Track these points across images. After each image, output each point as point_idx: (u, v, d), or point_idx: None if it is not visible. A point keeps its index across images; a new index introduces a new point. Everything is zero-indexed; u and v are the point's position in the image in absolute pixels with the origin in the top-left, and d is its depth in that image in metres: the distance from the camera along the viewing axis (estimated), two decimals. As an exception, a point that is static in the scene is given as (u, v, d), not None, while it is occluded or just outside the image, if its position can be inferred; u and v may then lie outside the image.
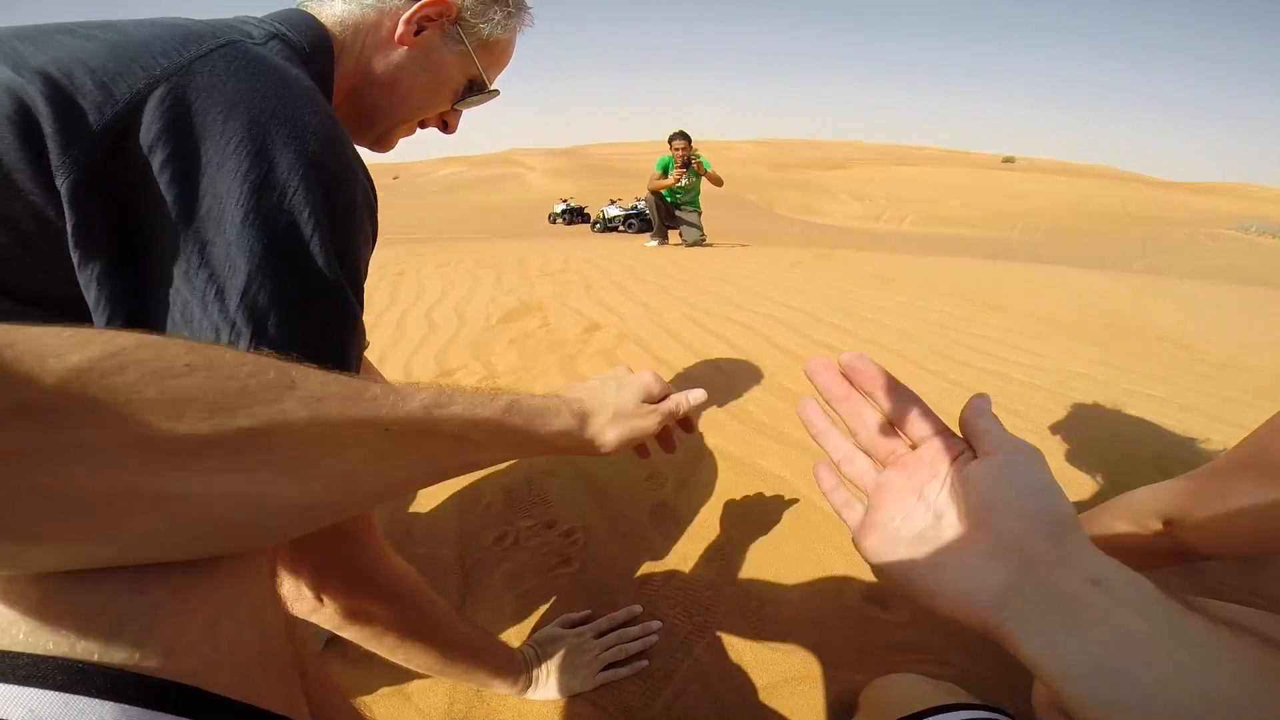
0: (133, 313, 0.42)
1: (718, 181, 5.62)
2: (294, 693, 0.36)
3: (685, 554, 1.02)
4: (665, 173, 5.52)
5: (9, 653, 0.27)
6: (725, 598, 0.94)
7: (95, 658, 0.27)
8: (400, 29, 0.64)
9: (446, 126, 0.79)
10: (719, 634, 0.87)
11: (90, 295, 0.42)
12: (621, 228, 14.69)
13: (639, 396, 0.55)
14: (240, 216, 0.42)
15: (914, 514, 0.38)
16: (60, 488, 0.24)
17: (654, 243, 5.59)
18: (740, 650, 0.84)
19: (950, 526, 0.36)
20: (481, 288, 3.14)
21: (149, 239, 0.42)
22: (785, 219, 21.87)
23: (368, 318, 2.27)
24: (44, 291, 0.44)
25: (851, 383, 0.42)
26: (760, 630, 0.87)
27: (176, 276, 0.42)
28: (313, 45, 0.59)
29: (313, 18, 0.62)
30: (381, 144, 0.74)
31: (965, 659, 0.82)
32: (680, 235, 5.68)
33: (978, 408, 0.39)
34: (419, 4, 0.65)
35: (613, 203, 16.36)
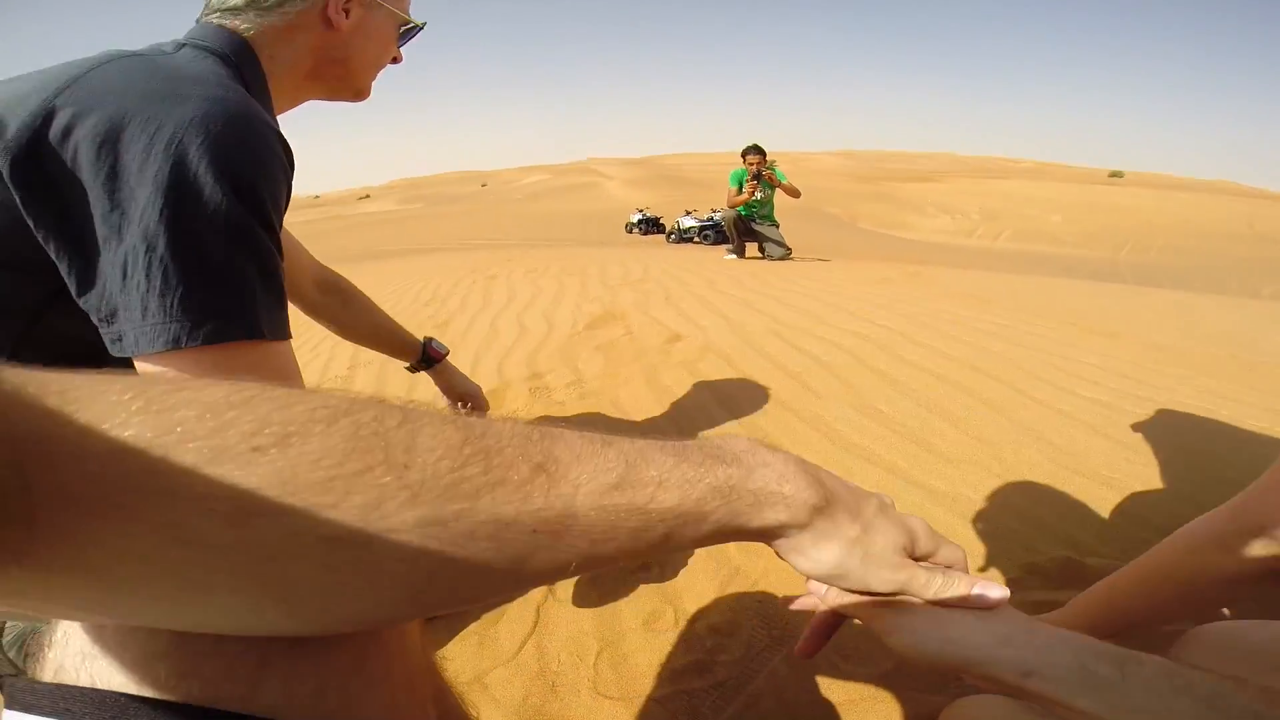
0: (75, 249, 0.53)
1: (794, 193, 5.58)
2: (427, 708, 0.35)
3: (767, 569, 1.03)
4: (740, 187, 5.53)
5: (165, 702, 0.25)
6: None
7: (242, 707, 0.25)
8: (335, 19, 0.74)
9: (395, 61, 0.90)
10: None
11: (50, 246, 0.53)
12: (697, 239, 14.69)
13: (899, 541, 0.38)
14: (141, 159, 0.52)
15: None
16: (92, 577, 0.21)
17: (732, 256, 5.59)
18: (818, 665, 0.84)
19: None
20: (568, 294, 3.25)
21: (80, 195, 0.52)
22: (868, 233, 21.20)
23: (463, 319, 2.43)
24: (24, 258, 0.54)
25: None
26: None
27: (98, 217, 0.52)
28: (233, 50, 0.68)
29: (222, 29, 0.71)
30: (359, 97, 0.86)
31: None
32: (761, 251, 5.64)
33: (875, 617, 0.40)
34: None
35: (688, 213, 16.39)
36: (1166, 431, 1.43)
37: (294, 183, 0.66)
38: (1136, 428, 1.46)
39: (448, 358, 1.28)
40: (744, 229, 5.64)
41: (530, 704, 0.82)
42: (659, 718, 0.79)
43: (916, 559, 0.40)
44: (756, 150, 5.47)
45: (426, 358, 1.25)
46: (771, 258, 5.45)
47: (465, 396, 1.28)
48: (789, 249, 5.53)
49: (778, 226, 5.63)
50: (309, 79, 0.78)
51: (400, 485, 0.24)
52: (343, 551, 0.23)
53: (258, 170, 0.57)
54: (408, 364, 1.26)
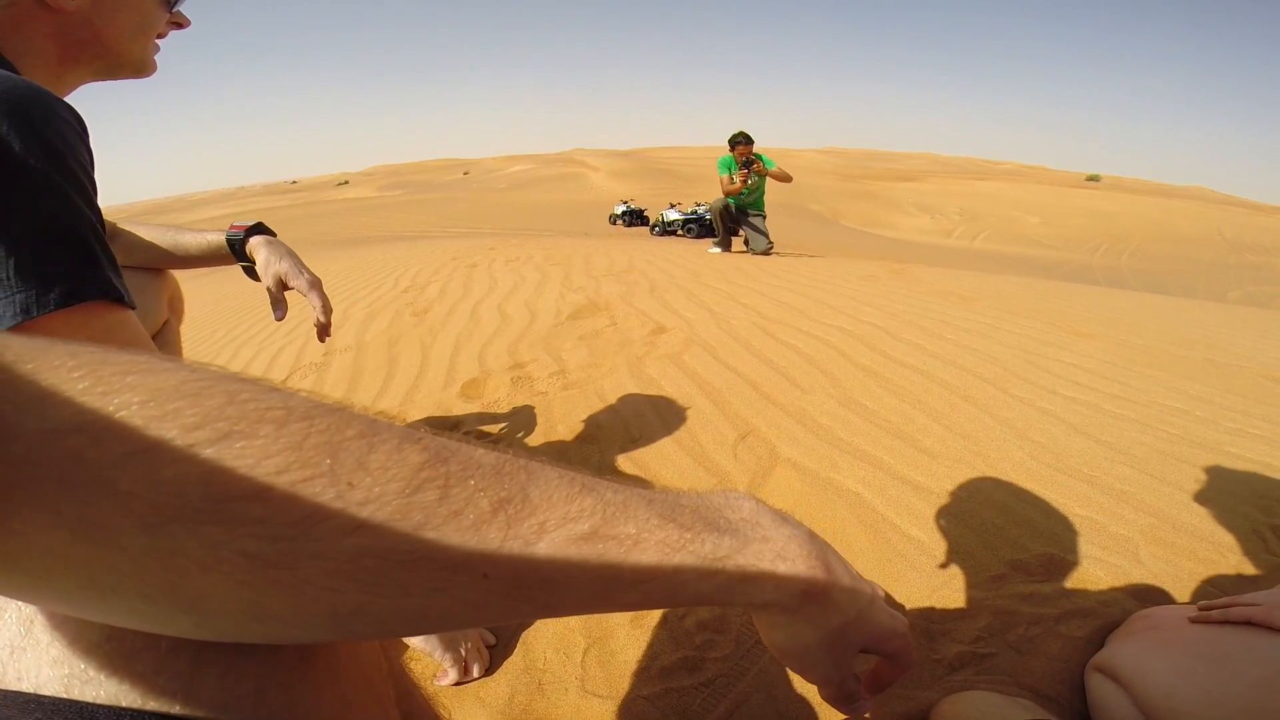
0: None
1: (784, 178, 5.54)
2: (388, 709, 0.33)
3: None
4: (731, 175, 5.48)
5: (95, 706, 0.23)
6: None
7: (177, 705, 0.24)
8: (54, 1, 0.66)
9: (180, 27, 0.82)
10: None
11: None
12: (680, 232, 14.70)
13: (867, 641, 0.38)
14: None
15: None
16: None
17: (717, 249, 5.57)
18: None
19: None
20: (550, 284, 3.21)
21: None
22: (850, 230, 21.38)
23: (442, 306, 2.37)
24: None
25: None
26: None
27: None
28: None
29: None
30: (140, 73, 0.79)
31: (1038, 678, 0.79)
32: (746, 244, 5.63)
33: None
34: None
35: (672, 206, 16.39)
36: (1144, 431, 1.45)
37: (92, 149, 0.62)
38: (1115, 427, 1.47)
39: (260, 236, 1.08)
40: (732, 219, 5.61)
41: (516, 703, 0.80)
42: (648, 716, 0.78)
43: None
44: (746, 139, 5.39)
45: (240, 252, 1.08)
46: (754, 250, 5.44)
47: (279, 280, 1.04)
48: (771, 243, 5.52)
49: (765, 218, 5.61)
50: (64, 65, 0.72)
51: (340, 504, 0.21)
52: (264, 570, 0.21)
53: (58, 136, 0.55)
54: (243, 267, 1.11)
